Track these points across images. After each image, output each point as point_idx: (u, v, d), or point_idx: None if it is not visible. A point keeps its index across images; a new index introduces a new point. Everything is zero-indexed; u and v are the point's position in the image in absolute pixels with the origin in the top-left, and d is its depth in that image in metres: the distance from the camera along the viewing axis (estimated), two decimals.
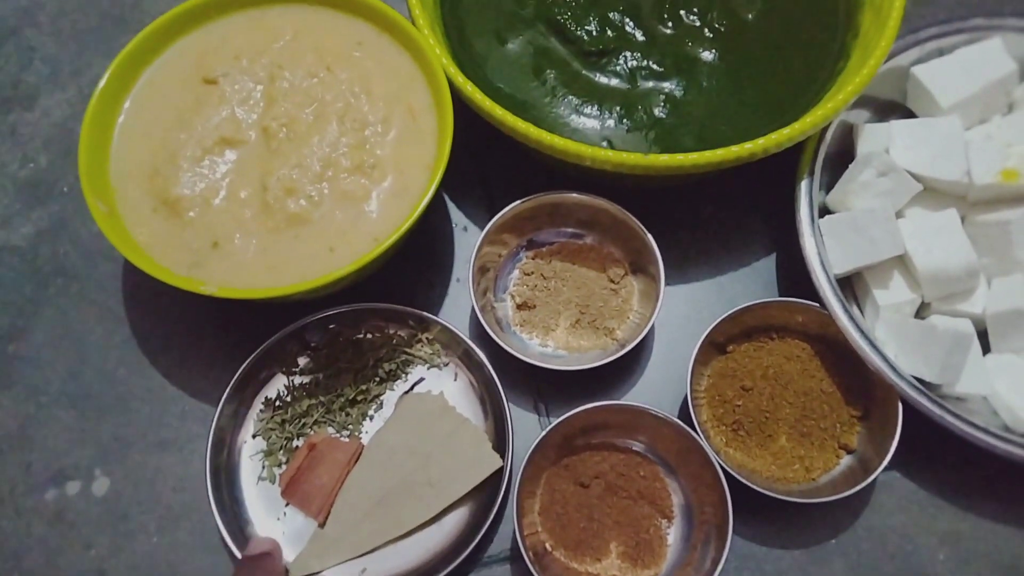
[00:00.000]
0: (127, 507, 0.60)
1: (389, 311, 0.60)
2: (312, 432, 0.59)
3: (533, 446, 0.54)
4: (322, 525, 0.57)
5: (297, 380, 0.61)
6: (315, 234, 0.56)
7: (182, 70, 0.61)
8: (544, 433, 0.55)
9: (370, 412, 0.60)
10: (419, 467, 0.57)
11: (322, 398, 0.60)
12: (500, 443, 0.57)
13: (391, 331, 0.61)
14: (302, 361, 0.61)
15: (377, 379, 0.60)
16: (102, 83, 0.59)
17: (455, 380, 0.61)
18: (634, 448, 0.58)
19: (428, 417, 0.59)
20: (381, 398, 0.60)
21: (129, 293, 0.66)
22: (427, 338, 0.61)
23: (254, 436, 0.59)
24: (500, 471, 0.56)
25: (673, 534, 0.56)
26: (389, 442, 0.58)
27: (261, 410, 0.60)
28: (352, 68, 0.60)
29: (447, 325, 0.59)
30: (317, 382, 0.60)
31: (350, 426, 0.59)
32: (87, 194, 0.55)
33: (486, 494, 0.57)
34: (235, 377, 0.58)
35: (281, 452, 0.59)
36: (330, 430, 0.59)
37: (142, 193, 0.58)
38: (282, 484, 0.57)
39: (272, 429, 0.59)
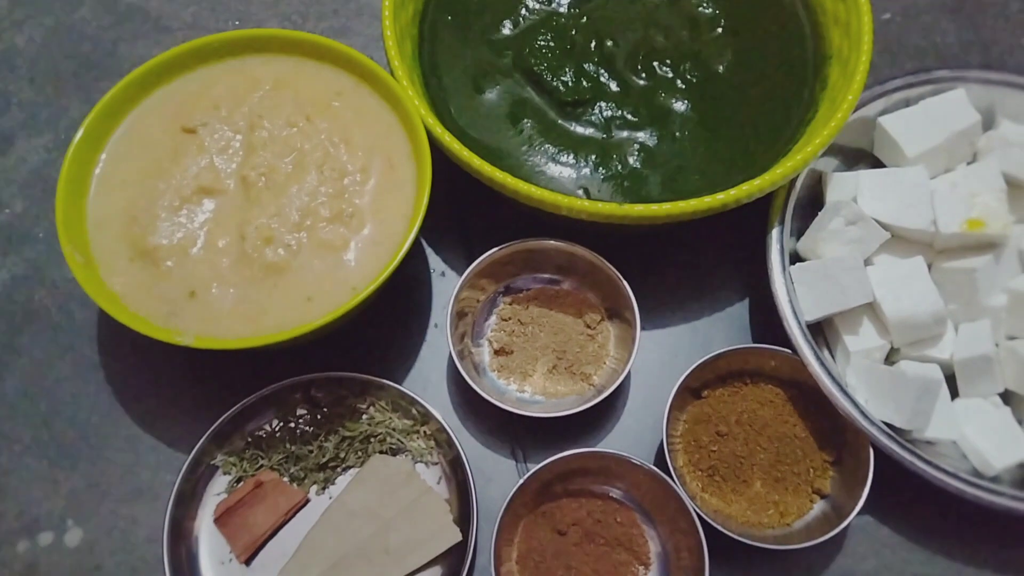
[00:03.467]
0: (100, 558, 0.59)
1: (399, 393, 0.59)
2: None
3: (511, 494, 0.55)
4: (245, 563, 0.57)
5: (289, 425, 0.60)
6: (293, 283, 0.56)
7: (161, 119, 0.61)
8: (522, 481, 0.55)
9: (335, 478, 0.59)
10: (378, 533, 0.57)
11: (295, 451, 0.59)
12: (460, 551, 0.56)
13: (394, 414, 0.61)
14: (300, 411, 0.61)
15: (359, 453, 0.60)
16: (79, 134, 0.59)
17: (437, 483, 0.59)
18: (611, 494, 0.59)
19: (392, 481, 0.58)
20: (352, 469, 0.60)
21: (105, 341, 0.65)
22: (425, 432, 0.60)
23: (219, 468, 0.59)
24: (466, 543, 0.55)
25: None
26: (350, 504, 0.58)
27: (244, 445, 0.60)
28: (331, 118, 0.61)
29: (446, 426, 0.58)
30: (303, 436, 0.60)
31: (308, 484, 0.59)
32: (63, 244, 0.55)
33: (454, 557, 0.56)
34: (218, 422, 0.58)
35: (238, 483, 0.59)
36: (285, 479, 0.59)
37: (119, 242, 0.57)
38: (217, 511, 0.57)
39: (233, 464, 0.59)
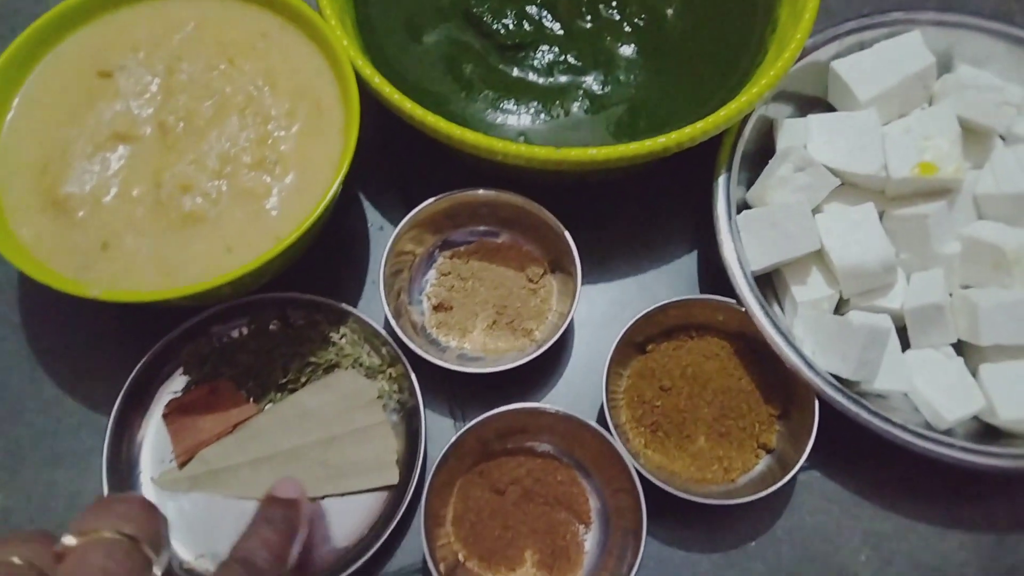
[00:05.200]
0: (19, 524, 0.56)
1: (373, 331, 0.58)
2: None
3: (445, 450, 0.52)
4: (180, 467, 0.56)
5: (257, 339, 0.59)
6: (212, 233, 0.53)
7: (77, 64, 0.58)
8: (457, 436, 0.53)
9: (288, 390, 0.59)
10: (321, 443, 0.56)
11: (257, 366, 0.58)
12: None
13: (363, 349, 0.59)
14: (272, 327, 0.59)
15: (320, 373, 0.59)
16: None
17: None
18: (552, 452, 0.56)
19: (354, 400, 0.57)
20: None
21: (24, 300, 0.62)
22: (391, 374, 0.59)
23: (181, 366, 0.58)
24: (404, 492, 0.54)
25: (590, 540, 0.54)
26: (306, 404, 0.57)
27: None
28: (256, 60, 0.58)
29: (411, 372, 0.56)
30: (269, 353, 0.58)
31: (264, 402, 0.58)
32: None
33: (390, 505, 0.55)
34: (188, 322, 0.58)
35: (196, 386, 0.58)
36: (242, 392, 0.58)
37: (30, 192, 0.54)
38: (168, 407, 0.57)
39: (194, 365, 0.58)
